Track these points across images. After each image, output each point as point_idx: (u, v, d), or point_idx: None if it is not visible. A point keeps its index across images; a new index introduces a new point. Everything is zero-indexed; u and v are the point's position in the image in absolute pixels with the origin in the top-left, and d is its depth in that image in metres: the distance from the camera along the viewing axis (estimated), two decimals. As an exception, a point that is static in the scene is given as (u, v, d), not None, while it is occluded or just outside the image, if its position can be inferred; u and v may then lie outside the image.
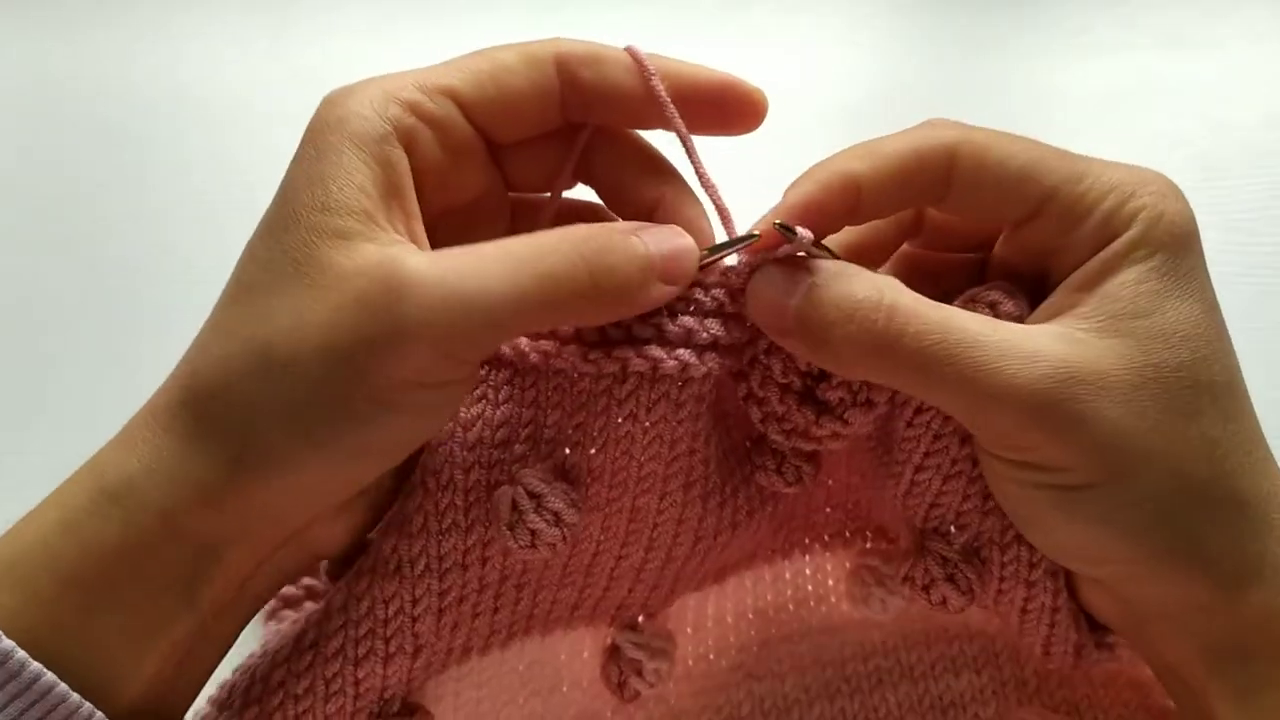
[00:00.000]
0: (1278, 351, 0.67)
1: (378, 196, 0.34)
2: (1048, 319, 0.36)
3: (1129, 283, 0.35)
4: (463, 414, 0.38)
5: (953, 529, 0.41)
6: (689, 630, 0.47)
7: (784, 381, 0.38)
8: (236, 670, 0.40)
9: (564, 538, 0.37)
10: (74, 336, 0.70)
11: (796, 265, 0.36)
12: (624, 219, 0.41)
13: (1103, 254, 0.36)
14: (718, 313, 0.37)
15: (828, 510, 0.46)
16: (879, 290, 0.35)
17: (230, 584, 0.36)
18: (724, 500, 0.41)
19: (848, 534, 0.47)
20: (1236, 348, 0.37)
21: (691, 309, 0.37)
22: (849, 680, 0.46)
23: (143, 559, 0.33)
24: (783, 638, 0.47)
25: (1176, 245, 0.36)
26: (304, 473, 0.34)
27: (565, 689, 0.46)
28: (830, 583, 0.47)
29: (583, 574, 0.42)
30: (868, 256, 0.43)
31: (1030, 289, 0.38)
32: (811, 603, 0.47)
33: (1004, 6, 0.84)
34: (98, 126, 0.77)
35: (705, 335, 0.37)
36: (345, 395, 0.33)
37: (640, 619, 0.45)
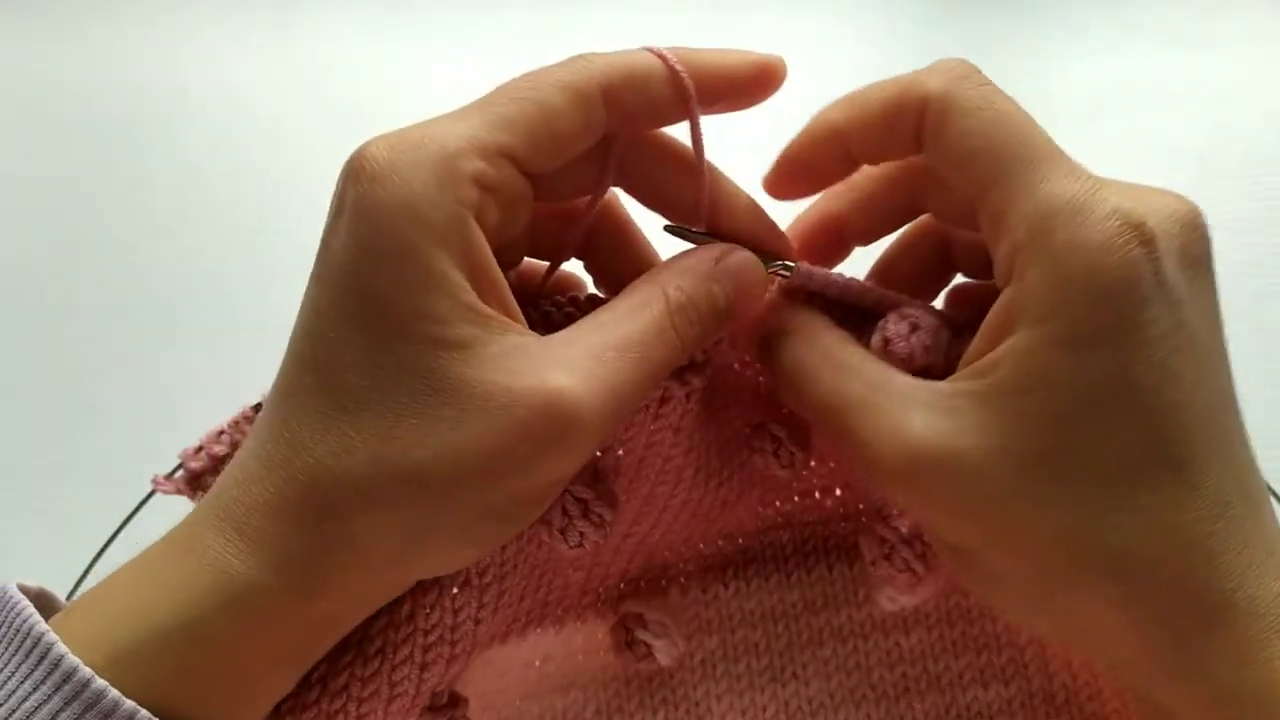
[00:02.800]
0: (1278, 351, 0.67)
1: (473, 288, 0.34)
2: (968, 362, 0.35)
3: (1018, 350, 0.33)
4: None
5: (896, 511, 0.43)
6: (711, 631, 0.47)
7: None
8: None
9: (605, 535, 0.40)
10: (73, 337, 0.70)
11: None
12: (666, 216, 0.41)
13: (1004, 298, 0.34)
14: None
15: (843, 523, 0.48)
16: (799, 360, 0.38)
17: (337, 640, 0.37)
18: (721, 482, 0.44)
19: None
20: (1236, 348, 0.35)
21: None
22: (875, 687, 0.46)
23: (268, 649, 0.34)
24: (808, 642, 0.47)
25: (1083, 307, 0.32)
26: (457, 564, 0.37)
27: (584, 687, 0.46)
28: (855, 590, 0.48)
29: (592, 556, 0.45)
30: (879, 219, 0.43)
31: None
32: (838, 606, 0.47)
33: (1004, 6, 0.84)
34: (97, 126, 0.77)
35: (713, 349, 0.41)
36: (506, 506, 0.34)
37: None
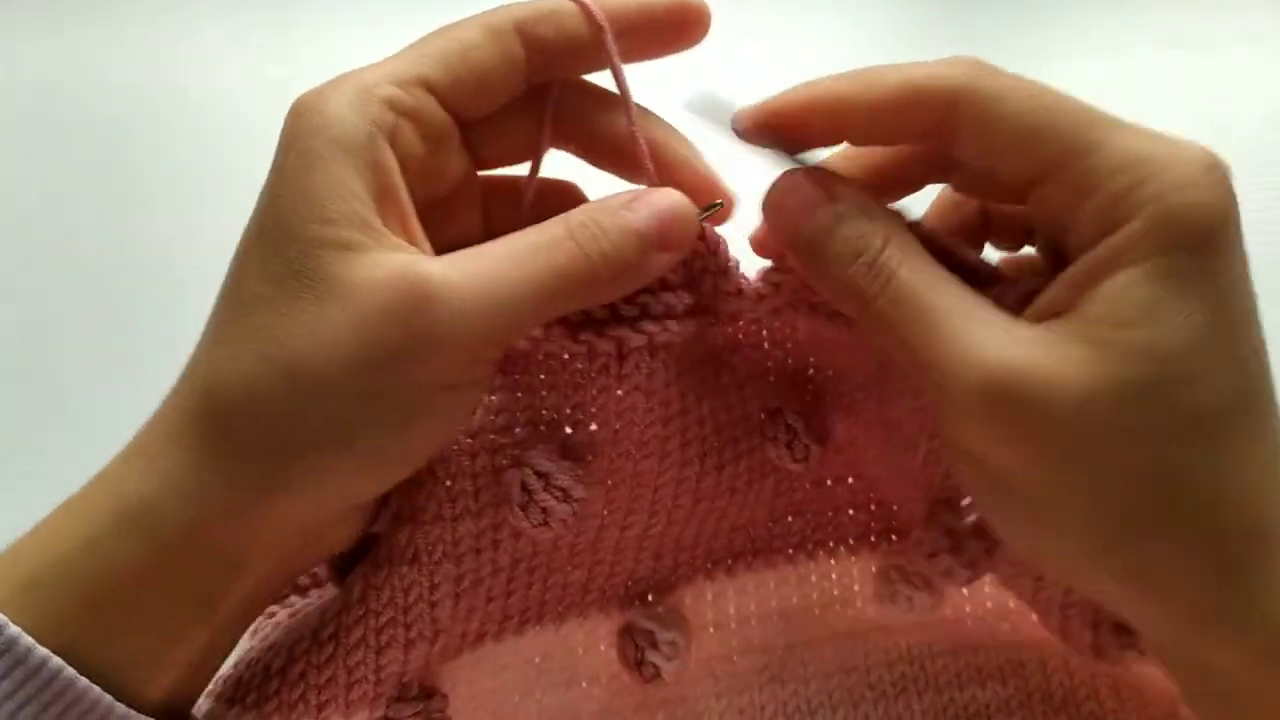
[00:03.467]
0: (1278, 352, 0.67)
1: (373, 202, 0.34)
2: (1040, 318, 0.34)
3: (1120, 286, 0.32)
4: None
5: (965, 502, 0.42)
6: (711, 629, 0.47)
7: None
8: (237, 664, 0.40)
9: (574, 513, 0.39)
10: (73, 339, 0.70)
11: (824, 182, 0.37)
12: (608, 169, 0.41)
13: (1101, 248, 0.33)
14: (686, 283, 0.39)
15: (850, 512, 0.47)
16: (884, 243, 0.35)
17: (247, 593, 0.36)
18: (723, 464, 0.43)
19: (873, 538, 0.47)
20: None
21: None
22: (873, 687, 0.46)
23: (165, 578, 0.33)
24: (807, 641, 0.47)
25: (1188, 245, 0.32)
26: (340, 483, 0.35)
27: (584, 684, 0.46)
28: (856, 587, 0.47)
29: (590, 551, 0.43)
30: (892, 184, 0.42)
31: (1054, 254, 0.37)
32: (837, 607, 0.47)
33: (1005, 6, 0.84)
34: (97, 126, 0.77)
35: (681, 304, 0.39)
36: (381, 405, 0.33)
37: (650, 597, 0.46)
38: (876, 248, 0.35)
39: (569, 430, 0.40)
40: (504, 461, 0.40)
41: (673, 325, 0.38)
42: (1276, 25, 0.83)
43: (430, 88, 0.36)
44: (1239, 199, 0.34)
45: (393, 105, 0.35)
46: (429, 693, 0.41)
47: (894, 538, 0.47)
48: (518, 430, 0.40)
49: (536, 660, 0.45)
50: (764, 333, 0.43)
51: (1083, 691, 0.44)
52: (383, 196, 0.35)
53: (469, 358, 0.34)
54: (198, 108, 0.76)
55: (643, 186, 0.39)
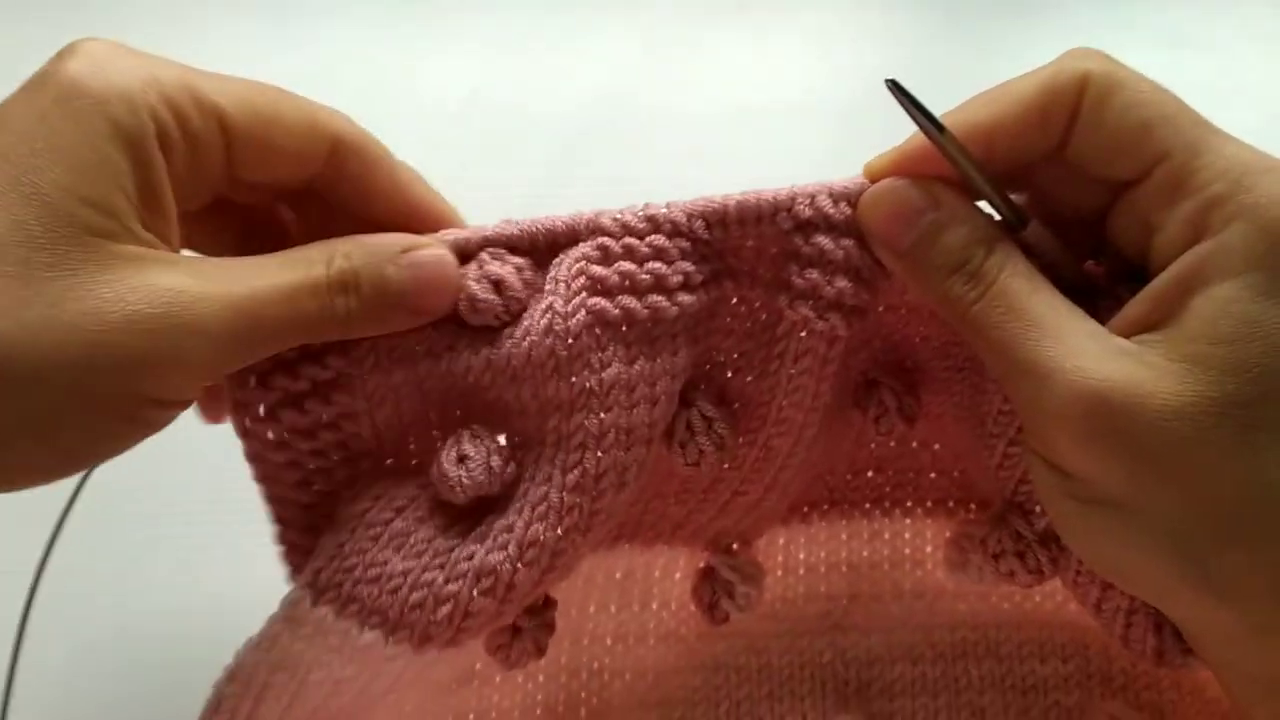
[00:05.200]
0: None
1: (138, 199, 0.33)
2: (1129, 331, 0.34)
3: (1217, 301, 0.32)
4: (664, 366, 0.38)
5: (1038, 508, 0.41)
6: (779, 572, 0.48)
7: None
8: (378, 579, 0.37)
9: (723, 461, 0.40)
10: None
11: (924, 187, 0.36)
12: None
13: (1191, 255, 0.33)
14: (851, 271, 0.37)
15: (933, 475, 0.47)
16: (988, 252, 0.35)
17: None
18: (825, 428, 0.43)
19: (951, 504, 0.47)
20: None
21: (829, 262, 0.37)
22: (934, 646, 0.46)
23: None
24: (873, 595, 0.47)
25: None
26: (20, 470, 0.33)
27: (655, 607, 0.47)
28: (929, 549, 0.48)
29: (698, 496, 0.43)
30: None
31: (1134, 269, 0.37)
32: (907, 566, 0.48)
33: (1004, 6, 0.84)
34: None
35: (852, 299, 0.37)
36: (94, 411, 0.32)
37: (735, 545, 0.46)
38: (980, 257, 0.35)
39: (729, 375, 0.41)
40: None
41: (856, 322, 0.38)
42: (1277, 25, 0.83)
43: (222, 123, 0.35)
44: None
45: (177, 113, 0.34)
46: (550, 602, 0.41)
47: (973, 507, 0.47)
48: (693, 369, 0.40)
49: (617, 576, 0.46)
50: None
51: (1144, 680, 0.45)
52: (148, 196, 0.34)
53: (202, 380, 0.34)
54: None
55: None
